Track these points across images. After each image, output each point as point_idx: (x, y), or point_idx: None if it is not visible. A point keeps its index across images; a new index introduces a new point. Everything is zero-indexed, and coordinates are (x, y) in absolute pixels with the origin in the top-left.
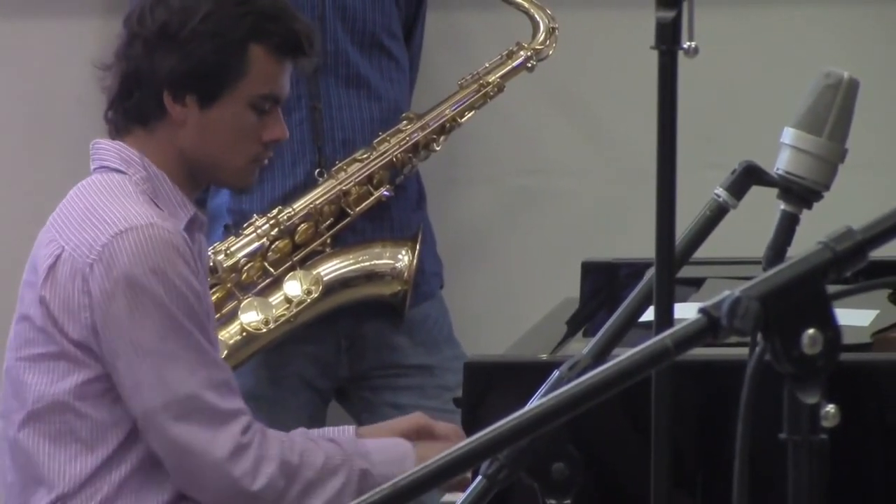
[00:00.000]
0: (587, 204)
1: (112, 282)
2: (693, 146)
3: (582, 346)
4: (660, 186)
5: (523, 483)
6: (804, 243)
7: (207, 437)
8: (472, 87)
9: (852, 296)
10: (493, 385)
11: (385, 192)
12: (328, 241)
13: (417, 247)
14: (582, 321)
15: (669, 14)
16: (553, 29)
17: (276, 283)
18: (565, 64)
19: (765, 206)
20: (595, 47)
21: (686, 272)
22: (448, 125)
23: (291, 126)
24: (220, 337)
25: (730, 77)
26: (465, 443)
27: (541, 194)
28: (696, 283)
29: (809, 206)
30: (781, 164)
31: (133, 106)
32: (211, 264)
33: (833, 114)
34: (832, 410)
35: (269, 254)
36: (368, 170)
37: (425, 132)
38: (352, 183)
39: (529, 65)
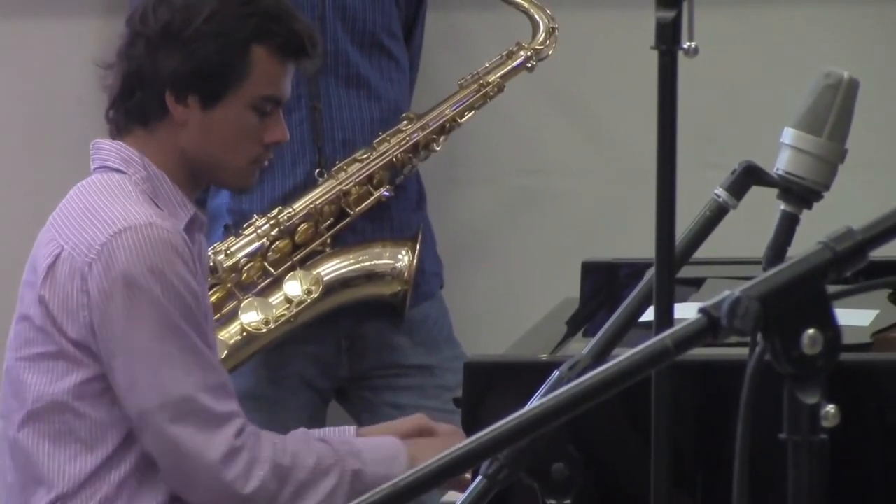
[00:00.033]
0: (587, 204)
1: (110, 281)
2: (693, 146)
3: (582, 346)
4: (660, 186)
5: (523, 483)
6: (804, 243)
7: (201, 440)
8: (472, 87)
9: (852, 296)
10: (493, 385)
11: (385, 192)
12: (328, 241)
13: (417, 247)
14: (582, 321)
15: (669, 14)
16: (553, 29)
17: (276, 283)
18: (565, 64)
19: (765, 206)
20: (595, 47)
21: (686, 272)
22: (448, 125)
23: (291, 126)
24: (220, 337)
25: (730, 77)
26: (465, 443)
27: (541, 194)
28: (696, 283)
29: (809, 206)
30: (781, 164)
31: (135, 105)
32: (211, 264)
33: (833, 114)
34: (832, 410)
35: (269, 254)
36: (368, 170)
37: (425, 132)
38: (352, 183)
39: (529, 65)
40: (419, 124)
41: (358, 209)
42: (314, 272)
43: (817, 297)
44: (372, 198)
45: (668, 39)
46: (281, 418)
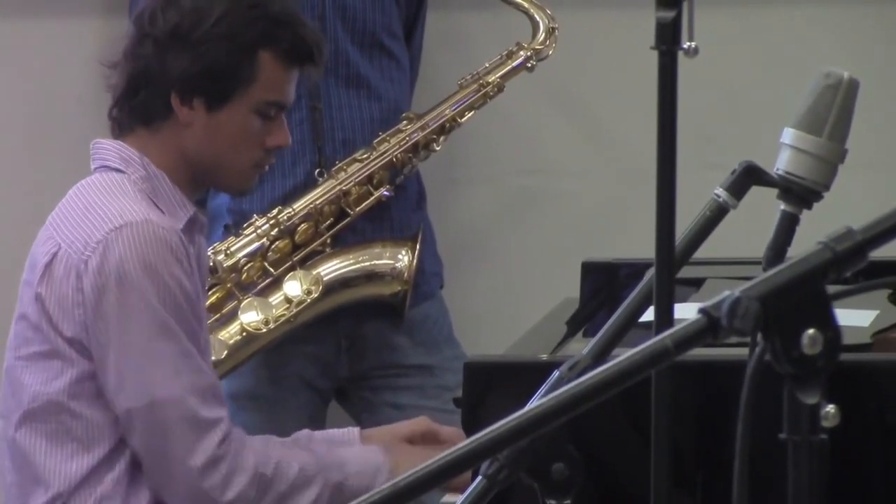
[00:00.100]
0: (587, 204)
1: (104, 277)
2: (693, 146)
3: (582, 347)
4: (660, 186)
5: (523, 483)
6: (804, 243)
7: (185, 445)
8: (472, 87)
9: (852, 296)
10: (493, 385)
11: (385, 192)
12: (328, 241)
13: (417, 247)
14: (582, 321)
15: (669, 14)
16: (553, 29)
17: (276, 283)
18: (565, 64)
19: (765, 206)
20: (595, 47)
21: (686, 272)
22: (448, 125)
23: (291, 126)
24: (219, 337)
25: (730, 77)
26: (465, 443)
27: (541, 194)
28: (696, 283)
29: (809, 207)
30: (781, 164)
31: (139, 105)
32: (211, 264)
33: (833, 114)
34: (832, 410)
35: (269, 254)
36: (368, 170)
37: (425, 132)
38: (352, 183)
39: (529, 65)
40: (419, 124)
41: (358, 209)
42: (314, 272)
43: (817, 297)
44: (372, 198)
45: (668, 39)
46: (281, 418)
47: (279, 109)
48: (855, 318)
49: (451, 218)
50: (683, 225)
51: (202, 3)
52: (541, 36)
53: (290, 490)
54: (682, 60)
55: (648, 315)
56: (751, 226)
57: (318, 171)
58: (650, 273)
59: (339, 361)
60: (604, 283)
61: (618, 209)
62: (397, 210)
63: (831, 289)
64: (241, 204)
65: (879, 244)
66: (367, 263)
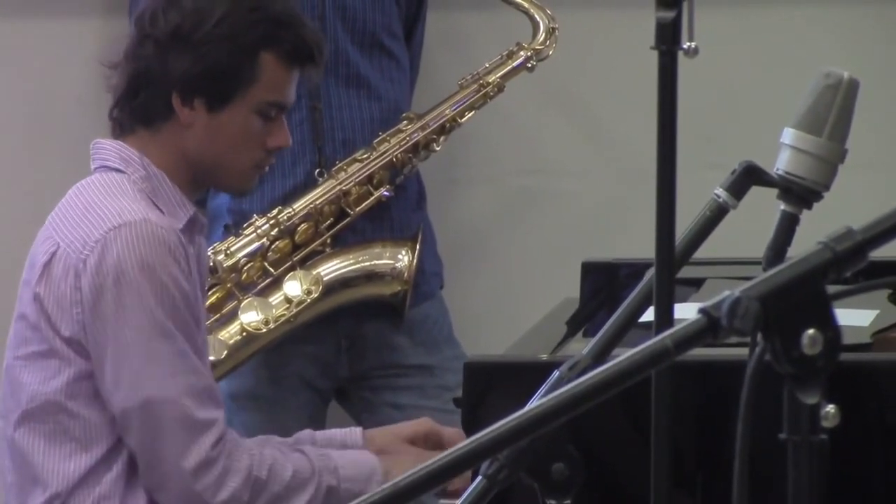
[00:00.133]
0: (587, 204)
1: (102, 276)
2: (693, 146)
3: (582, 347)
4: (660, 186)
5: (523, 483)
6: (804, 243)
7: (178, 446)
8: (473, 87)
9: (852, 296)
10: (493, 385)
11: (385, 192)
12: (328, 241)
13: (417, 247)
14: (582, 321)
15: (669, 14)
16: (553, 29)
17: (276, 283)
18: (565, 64)
19: (765, 206)
20: (595, 47)
21: (686, 272)
22: (448, 125)
23: (291, 126)
24: (219, 337)
25: (730, 77)
26: (465, 443)
27: (541, 194)
28: (696, 284)
29: (809, 207)
30: (781, 164)
31: (139, 106)
32: (211, 264)
33: (833, 114)
34: (832, 410)
35: (269, 254)
36: (368, 170)
37: (425, 132)
38: (352, 183)
39: (529, 65)
40: (419, 124)
41: (358, 209)
42: (314, 272)
43: (817, 297)
44: (372, 198)
45: (668, 39)
46: (281, 418)
47: (280, 110)
48: (855, 318)
49: (451, 218)
50: (683, 225)
51: (203, 3)
52: (541, 36)
53: (283, 492)
54: (682, 60)
55: (648, 315)
56: (751, 226)
57: (318, 171)
58: (650, 273)
59: (339, 361)
60: (604, 283)
61: (618, 209)
62: (397, 210)
63: (831, 289)
64: (241, 204)
65: (879, 244)
66: (367, 263)
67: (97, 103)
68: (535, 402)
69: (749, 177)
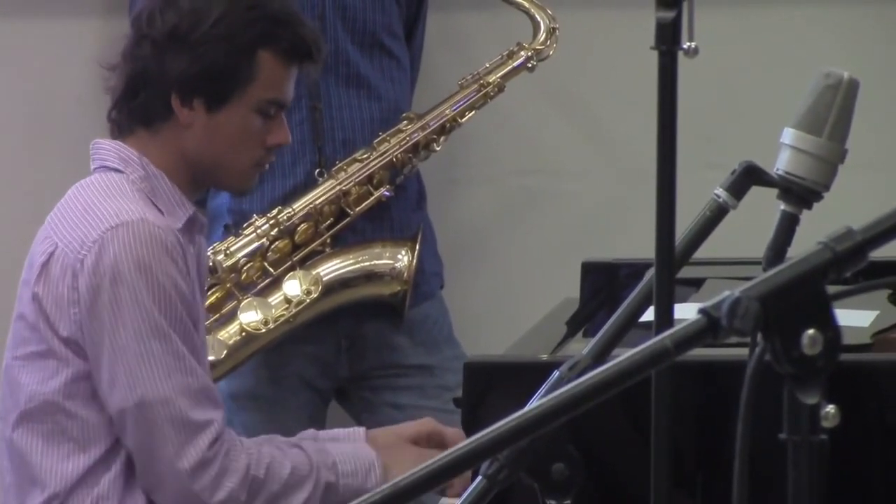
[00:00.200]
0: (587, 204)
1: (99, 276)
2: (693, 146)
3: (582, 347)
4: (660, 186)
5: (523, 483)
6: (804, 243)
7: (174, 446)
8: (473, 87)
9: (852, 296)
10: (493, 385)
11: (385, 192)
12: (328, 241)
13: (417, 247)
14: (582, 321)
15: (669, 14)
16: (554, 29)
17: (276, 284)
18: (565, 64)
19: (765, 206)
20: (595, 47)
21: (686, 272)
22: (448, 125)
23: (292, 126)
24: (219, 337)
25: (730, 77)
26: (465, 443)
27: (541, 194)
28: (696, 284)
29: (809, 207)
30: (781, 164)
31: (138, 107)
32: (211, 264)
33: (833, 114)
34: (832, 410)
35: (269, 254)
36: (368, 170)
37: (425, 132)
38: (352, 183)
39: (530, 65)
40: (419, 124)
41: (358, 209)
42: (313, 272)
43: (817, 298)
44: (372, 198)
45: (668, 39)
46: (281, 418)
47: (279, 108)
48: (855, 318)
49: (451, 218)
50: (683, 225)
51: (200, 4)
52: (542, 36)
53: (282, 490)
54: (682, 60)
55: (648, 315)
56: (751, 226)
57: (318, 171)
58: (650, 273)
59: (339, 361)
60: (604, 283)
61: (618, 209)
62: (397, 210)
63: (831, 289)
64: (241, 204)
65: (879, 244)
66: (367, 263)
67: (97, 103)
68: (535, 402)
69: (749, 177)
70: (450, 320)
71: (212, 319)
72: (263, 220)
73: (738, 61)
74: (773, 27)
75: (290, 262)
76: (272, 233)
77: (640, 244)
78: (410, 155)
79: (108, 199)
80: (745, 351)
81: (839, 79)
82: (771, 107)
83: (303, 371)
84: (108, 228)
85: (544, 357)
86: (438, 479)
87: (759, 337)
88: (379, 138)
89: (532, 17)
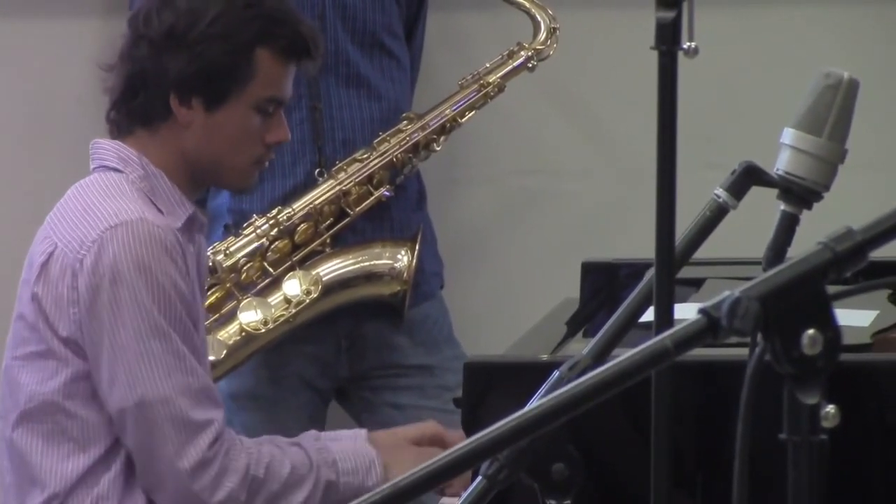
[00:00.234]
0: (587, 204)
1: (98, 276)
2: (693, 146)
3: (582, 347)
4: (660, 186)
5: (523, 483)
6: (804, 243)
7: (174, 446)
8: (473, 87)
9: (852, 296)
10: (493, 385)
11: (385, 192)
12: (328, 241)
13: (417, 247)
14: (582, 321)
15: (669, 14)
16: (554, 29)
17: (276, 284)
18: (565, 64)
19: (765, 206)
20: (595, 47)
21: (686, 272)
22: (448, 125)
23: (292, 126)
24: (218, 337)
25: (730, 77)
26: (465, 443)
27: (541, 194)
28: (696, 284)
29: (809, 207)
30: (781, 164)
31: (137, 107)
32: (210, 264)
33: (833, 114)
34: (832, 410)
35: (269, 254)
36: (368, 170)
37: (426, 132)
38: (352, 183)
39: (530, 65)
40: (419, 124)
41: (358, 209)
42: (313, 272)
43: (817, 298)
44: (372, 198)
45: (668, 39)
46: (281, 418)
47: (278, 105)
48: (855, 318)
49: (451, 218)
50: (683, 225)
51: (197, 3)
52: (542, 35)
53: (282, 489)
54: (682, 60)
55: (648, 315)
56: (751, 226)
57: (318, 171)
58: (650, 273)
59: (339, 361)
60: (604, 283)
61: (618, 209)
62: (397, 210)
63: (831, 289)
64: (241, 204)
65: (879, 244)
66: (367, 264)
67: (97, 103)
68: (535, 402)
69: (749, 177)
70: (450, 320)
71: (212, 319)
72: (263, 220)
73: (738, 61)
74: (773, 27)
75: (289, 262)
76: (272, 233)
77: (640, 244)
78: (410, 155)
79: (107, 198)
80: (745, 351)
81: (839, 79)
82: (771, 107)
83: (303, 371)
84: (108, 228)
85: (544, 357)
86: (438, 479)
87: (759, 337)
88: (379, 138)
89: (532, 17)
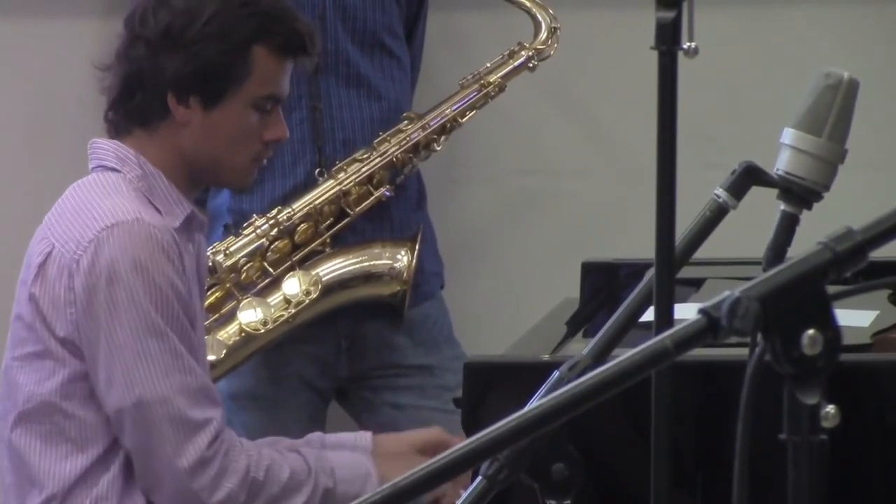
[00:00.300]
0: (587, 204)
1: (94, 276)
2: (693, 146)
3: (582, 347)
4: (660, 186)
5: (523, 483)
6: (804, 243)
7: (173, 445)
8: (473, 86)
9: (852, 296)
10: (493, 385)
11: (385, 192)
12: (328, 241)
13: (416, 247)
14: (582, 321)
15: (669, 14)
16: (555, 29)
17: (276, 284)
18: (566, 64)
19: (765, 206)
20: (595, 47)
21: (686, 272)
22: (449, 125)
23: (292, 125)
24: (218, 337)
25: (730, 77)
26: (465, 443)
27: (541, 194)
28: (696, 284)
29: (809, 207)
30: (781, 164)
31: (135, 107)
32: (210, 264)
33: (833, 114)
34: (832, 411)
35: (269, 254)
36: (368, 170)
37: (426, 132)
38: (352, 183)
39: (531, 65)
40: (420, 124)
41: (358, 209)
42: (313, 272)
43: (817, 298)
44: (372, 198)
45: (668, 39)
46: (281, 418)
47: (275, 102)
48: (855, 318)
49: (451, 218)
50: (683, 225)
51: (193, 2)
52: (543, 35)
53: (280, 493)
54: (682, 60)
55: (648, 315)
56: (751, 226)
57: (318, 170)
58: (650, 273)
59: (339, 361)
60: (604, 283)
61: (618, 209)
62: (397, 210)
63: (831, 289)
64: (241, 204)
65: (879, 244)
66: (366, 264)
67: (97, 103)
68: (535, 402)
69: (749, 177)
70: (450, 320)
71: (211, 319)
72: (263, 220)
73: (738, 61)
74: (773, 27)
75: (289, 262)
76: (272, 233)
77: (640, 244)
78: (411, 155)
79: (103, 198)
80: (745, 351)
81: (839, 79)
82: (771, 107)
83: (303, 371)
84: (104, 228)
85: (544, 357)
86: (438, 479)
87: (759, 337)
88: (379, 138)
89: (533, 17)
